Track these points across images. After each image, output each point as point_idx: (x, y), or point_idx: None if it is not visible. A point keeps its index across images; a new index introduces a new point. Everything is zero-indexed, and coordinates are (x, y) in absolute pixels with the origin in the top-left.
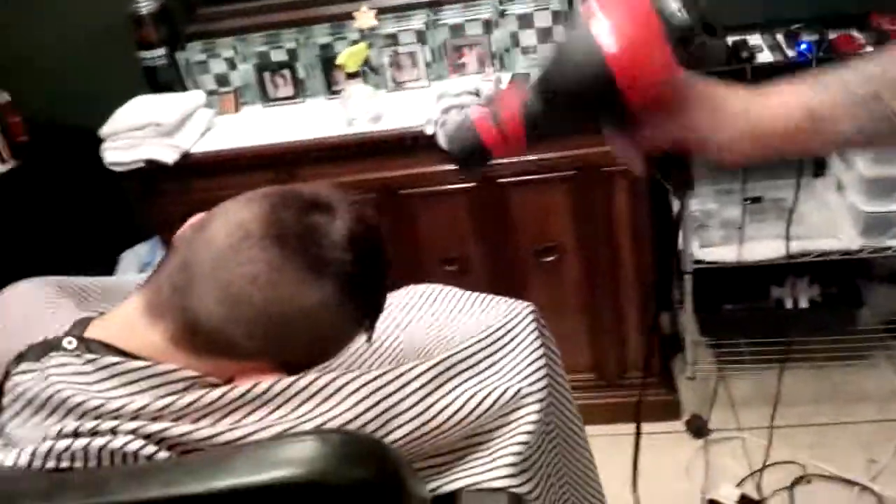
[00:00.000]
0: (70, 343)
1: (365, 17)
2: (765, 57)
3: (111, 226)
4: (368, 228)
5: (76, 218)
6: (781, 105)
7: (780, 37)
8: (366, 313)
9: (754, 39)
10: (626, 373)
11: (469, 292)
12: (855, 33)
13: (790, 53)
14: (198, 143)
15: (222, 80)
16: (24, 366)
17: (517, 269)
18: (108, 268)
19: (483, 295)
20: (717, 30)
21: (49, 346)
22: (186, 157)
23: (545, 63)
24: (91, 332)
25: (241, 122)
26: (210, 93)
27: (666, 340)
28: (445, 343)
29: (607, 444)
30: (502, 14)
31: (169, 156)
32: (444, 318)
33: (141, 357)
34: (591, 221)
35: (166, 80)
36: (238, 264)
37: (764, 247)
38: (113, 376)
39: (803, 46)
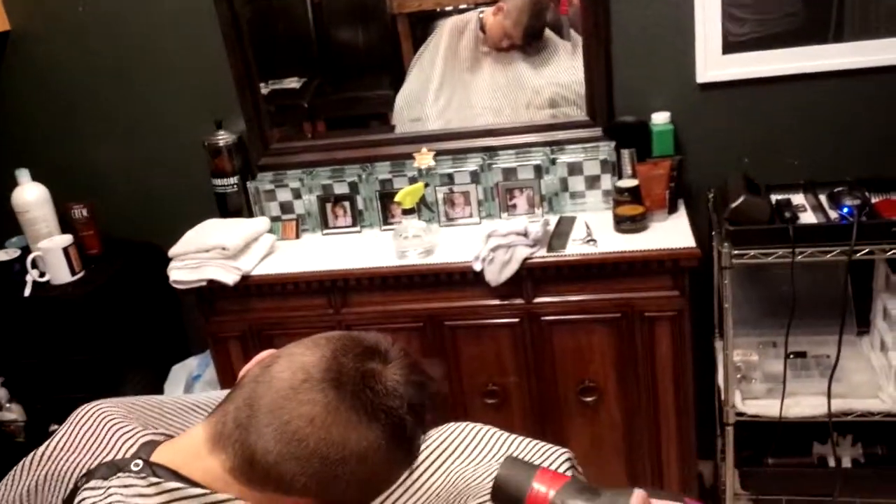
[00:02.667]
0: (136, 465)
1: (424, 158)
2: (807, 217)
3: (165, 339)
4: (420, 378)
5: (133, 329)
6: None
7: (822, 198)
8: (412, 458)
9: (797, 199)
10: (661, 491)
11: (508, 434)
12: None
13: (833, 215)
14: (259, 266)
15: (286, 208)
16: (92, 483)
17: (557, 407)
18: (159, 377)
19: (522, 438)
20: (760, 188)
21: (117, 467)
22: (246, 279)
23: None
24: (157, 457)
25: (300, 248)
26: (274, 219)
27: (706, 492)
28: (478, 488)
29: None
30: (553, 161)
31: (230, 277)
32: (482, 461)
33: (201, 485)
34: (632, 365)
35: (235, 206)
36: (297, 404)
37: (806, 403)
38: (172, 501)
39: (846, 210)
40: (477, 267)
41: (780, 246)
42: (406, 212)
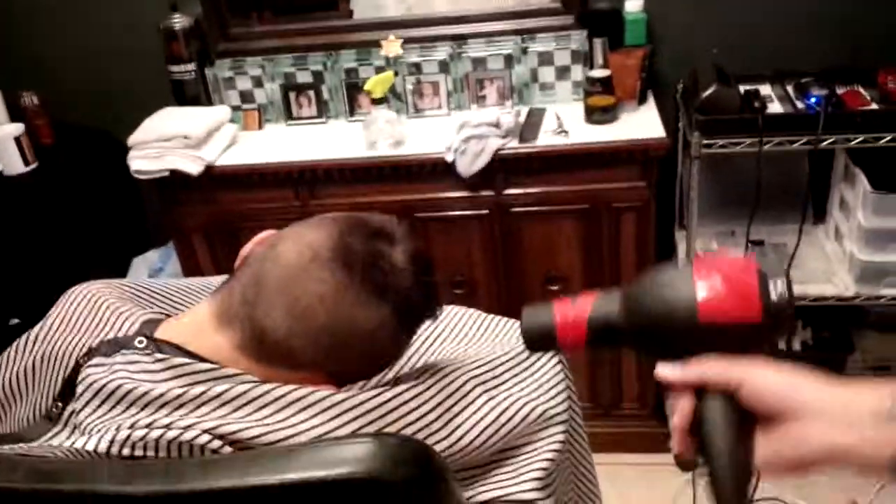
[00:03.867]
0: (140, 342)
1: (392, 46)
2: (775, 107)
3: (125, 231)
4: (425, 260)
5: (92, 221)
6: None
7: (790, 88)
8: (412, 332)
9: (765, 90)
10: (621, 404)
11: (492, 315)
12: (861, 90)
13: (800, 105)
14: (222, 156)
15: (247, 97)
16: (95, 360)
17: (523, 295)
18: (119, 271)
19: (505, 319)
20: (731, 79)
21: (119, 344)
22: (210, 170)
23: (637, 290)
24: (161, 334)
25: (264, 138)
26: (234, 108)
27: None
28: (472, 360)
29: (600, 473)
30: (524, 51)
31: (194, 167)
32: (471, 338)
33: (209, 360)
34: (597, 255)
35: (193, 94)
36: (307, 282)
37: None
38: (180, 376)
39: (813, 100)
40: (449, 158)
41: (749, 136)
42: (376, 101)
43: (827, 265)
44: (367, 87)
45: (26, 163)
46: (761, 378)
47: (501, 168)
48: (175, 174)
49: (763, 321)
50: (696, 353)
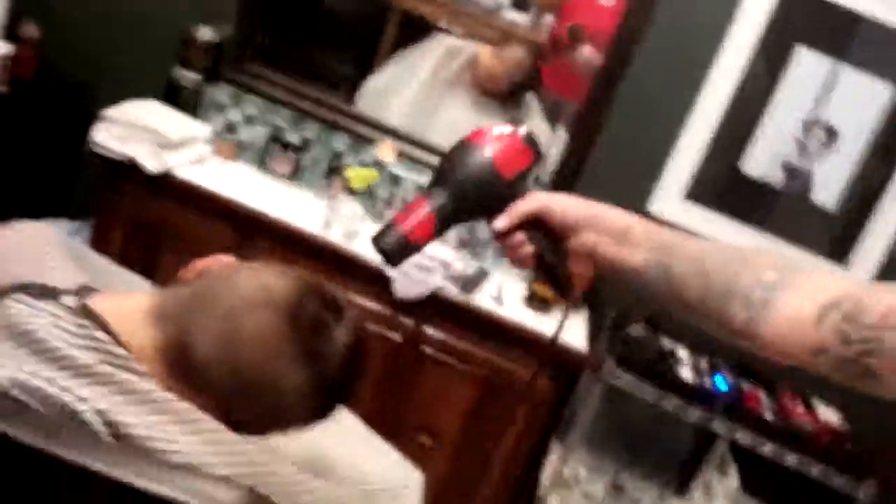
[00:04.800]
0: (71, 301)
1: (386, 151)
2: (686, 373)
3: (48, 191)
4: (361, 349)
5: (24, 171)
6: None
7: (703, 362)
8: (319, 416)
9: (682, 352)
10: None
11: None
12: (762, 395)
13: (706, 381)
14: (182, 168)
15: (230, 129)
16: (17, 295)
17: (389, 434)
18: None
19: (382, 442)
20: (657, 329)
21: (49, 293)
22: (165, 175)
23: (447, 172)
24: (92, 303)
25: (230, 172)
26: (214, 133)
27: None
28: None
29: None
30: None
31: (153, 165)
32: (345, 440)
33: (125, 348)
34: (478, 426)
35: (185, 103)
36: (252, 319)
37: None
38: (93, 349)
39: (719, 383)
40: (390, 273)
41: (656, 387)
42: (350, 191)
43: None
44: (348, 174)
45: None
46: (559, 201)
47: (430, 305)
48: (130, 163)
49: (536, 158)
50: (508, 202)
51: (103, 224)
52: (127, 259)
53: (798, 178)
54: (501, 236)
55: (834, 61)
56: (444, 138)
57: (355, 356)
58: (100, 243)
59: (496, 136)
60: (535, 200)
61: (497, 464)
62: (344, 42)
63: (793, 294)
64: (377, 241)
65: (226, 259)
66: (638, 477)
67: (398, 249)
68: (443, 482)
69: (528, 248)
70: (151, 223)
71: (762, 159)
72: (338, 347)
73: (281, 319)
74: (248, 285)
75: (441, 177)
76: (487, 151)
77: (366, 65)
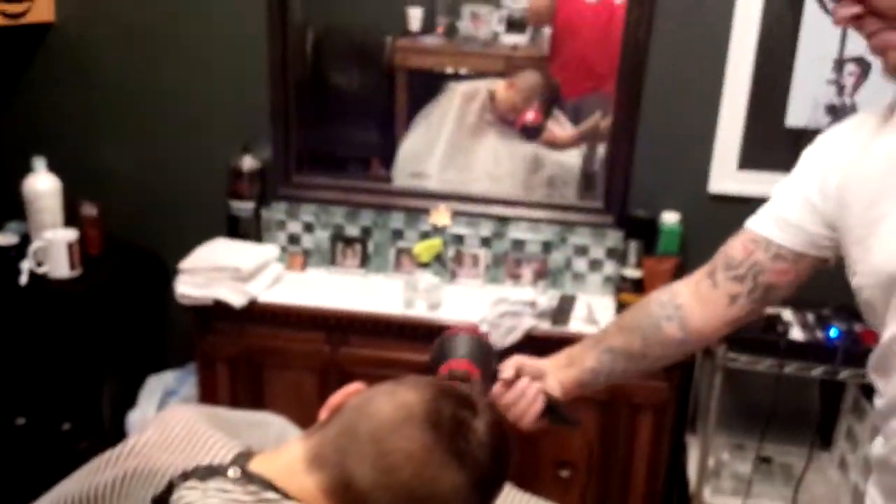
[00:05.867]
0: (235, 472)
1: (440, 216)
2: (796, 334)
3: (145, 348)
4: (504, 433)
5: (116, 333)
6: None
7: (810, 317)
8: None
9: (787, 315)
10: None
11: (524, 493)
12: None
13: (819, 336)
14: (265, 292)
15: (294, 240)
16: (190, 483)
17: (533, 476)
18: (132, 386)
19: (538, 499)
20: None
21: (213, 471)
22: (252, 304)
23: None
24: (253, 467)
25: (306, 281)
26: (281, 249)
27: None
28: None
29: None
30: (563, 240)
31: (239, 300)
32: None
33: (295, 499)
34: (612, 446)
35: (246, 230)
36: (398, 439)
37: None
38: None
39: (833, 333)
40: (483, 329)
41: (771, 357)
42: (421, 265)
43: (832, 493)
44: (415, 250)
45: (72, 268)
46: (523, 359)
47: (529, 347)
48: (217, 303)
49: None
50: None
51: (206, 364)
52: (236, 390)
53: (842, 115)
54: (507, 384)
55: None
56: (487, 182)
57: (500, 441)
58: (207, 382)
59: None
60: (515, 359)
61: (639, 475)
62: (361, 116)
63: (684, 288)
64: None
65: (356, 388)
66: (780, 444)
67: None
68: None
69: (533, 389)
70: (250, 352)
71: (803, 109)
72: (482, 440)
73: (424, 431)
74: (385, 408)
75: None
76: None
77: (389, 132)
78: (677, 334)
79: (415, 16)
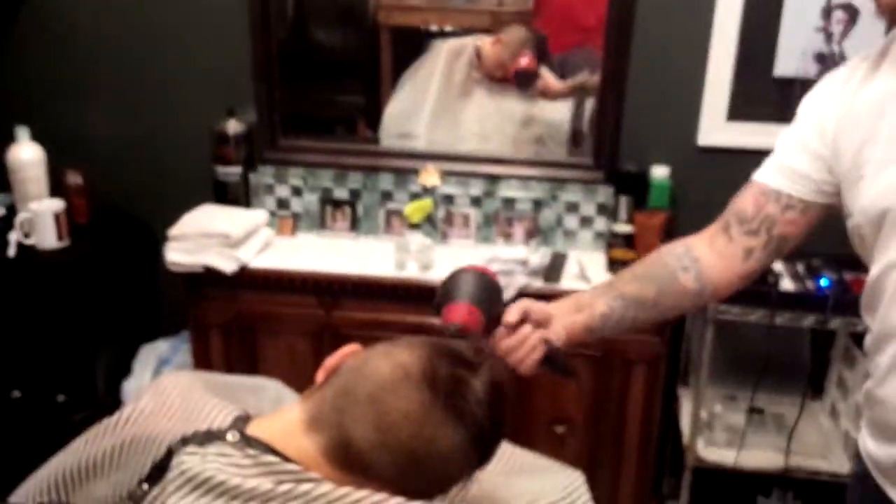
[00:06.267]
0: (234, 436)
1: (430, 176)
2: (787, 284)
3: (138, 317)
4: (501, 391)
5: (107, 303)
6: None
7: (800, 267)
8: (483, 463)
9: (777, 265)
10: None
11: (521, 449)
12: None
13: (809, 285)
14: (255, 258)
15: (283, 204)
16: (189, 448)
17: (529, 434)
18: (126, 355)
19: (535, 455)
20: None
21: (212, 436)
22: (242, 270)
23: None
24: (251, 430)
25: (296, 245)
26: (270, 213)
27: None
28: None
29: None
30: (553, 197)
31: (229, 266)
32: (505, 474)
33: (294, 461)
34: (604, 402)
35: (234, 195)
36: (395, 399)
37: (762, 456)
38: (268, 473)
39: (823, 282)
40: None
41: (761, 307)
42: (412, 226)
43: (823, 441)
44: (406, 211)
45: (59, 238)
46: (530, 302)
47: None
48: (207, 270)
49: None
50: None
51: (199, 332)
52: (230, 357)
53: (831, 63)
54: (511, 329)
55: None
56: (476, 141)
57: (498, 398)
58: (201, 350)
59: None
60: (522, 303)
61: (633, 430)
62: (346, 76)
63: (698, 242)
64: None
65: (349, 349)
66: (772, 394)
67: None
68: (588, 465)
69: (535, 337)
70: (242, 317)
71: (791, 57)
72: (480, 397)
73: (421, 391)
74: (383, 368)
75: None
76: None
77: (374, 92)
78: (693, 286)
79: None
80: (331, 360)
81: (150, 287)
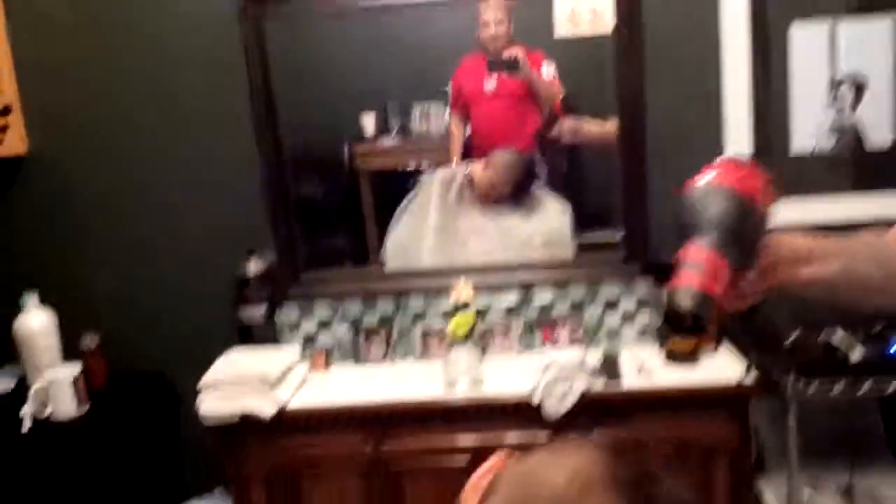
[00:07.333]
0: None
1: (464, 291)
2: (856, 355)
3: (165, 478)
4: (688, 492)
5: (132, 468)
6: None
7: (861, 334)
8: None
9: (836, 337)
10: None
11: None
12: None
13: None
14: (293, 398)
15: (310, 339)
16: None
17: None
18: None
19: None
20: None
21: None
22: (281, 413)
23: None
24: None
25: (332, 380)
26: (301, 350)
27: None
28: None
29: None
30: (592, 298)
31: (268, 409)
32: None
33: None
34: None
35: (260, 337)
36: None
37: None
38: None
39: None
40: (535, 399)
41: (837, 381)
42: (455, 342)
43: None
44: (450, 327)
45: (78, 405)
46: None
47: (584, 409)
48: (242, 418)
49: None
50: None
51: (239, 486)
52: None
53: (848, 135)
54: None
55: (830, 20)
56: (480, 258)
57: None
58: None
59: (724, 170)
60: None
61: None
62: (333, 222)
63: None
64: (678, 318)
65: (499, 459)
66: (862, 470)
67: (706, 307)
68: None
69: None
70: (284, 465)
71: (805, 134)
72: (674, 495)
73: (609, 491)
74: (557, 476)
75: (694, 228)
76: (732, 187)
77: (358, 232)
78: None
79: (368, 122)
80: (478, 478)
81: (173, 446)
